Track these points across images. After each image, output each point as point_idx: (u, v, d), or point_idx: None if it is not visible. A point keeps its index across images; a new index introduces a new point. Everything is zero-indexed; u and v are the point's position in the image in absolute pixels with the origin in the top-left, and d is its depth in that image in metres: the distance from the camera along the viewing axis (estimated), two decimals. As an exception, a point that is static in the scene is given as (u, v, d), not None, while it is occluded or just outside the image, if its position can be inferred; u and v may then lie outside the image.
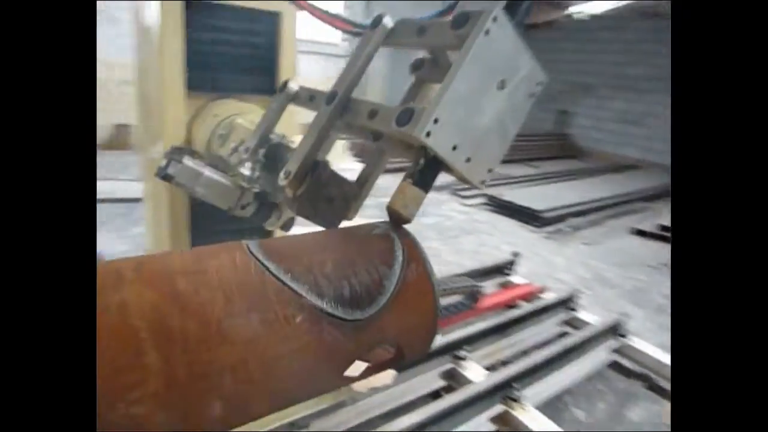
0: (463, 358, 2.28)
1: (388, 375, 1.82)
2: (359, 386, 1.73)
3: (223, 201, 0.99)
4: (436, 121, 0.63)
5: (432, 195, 5.75)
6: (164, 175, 0.91)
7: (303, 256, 0.60)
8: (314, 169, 0.83)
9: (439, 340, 2.42)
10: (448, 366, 2.28)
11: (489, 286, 3.22)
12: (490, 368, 2.31)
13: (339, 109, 0.83)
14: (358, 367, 0.65)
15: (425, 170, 0.70)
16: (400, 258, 0.65)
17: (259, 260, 0.57)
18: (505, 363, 2.49)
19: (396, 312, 0.63)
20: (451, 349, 2.33)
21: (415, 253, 0.68)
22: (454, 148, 0.66)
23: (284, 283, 0.56)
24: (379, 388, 1.81)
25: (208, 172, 0.96)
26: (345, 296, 0.59)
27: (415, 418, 1.82)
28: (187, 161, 0.93)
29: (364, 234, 0.69)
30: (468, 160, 0.69)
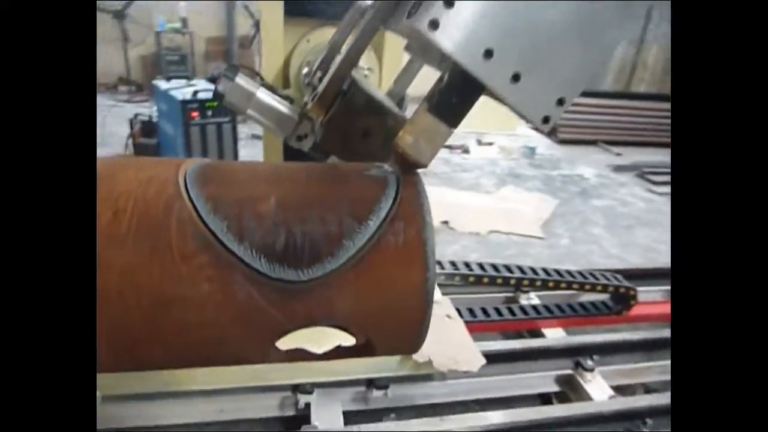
0: (589, 369, 1.89)
1: (472, 360, 1.60)
2: (439, 364, 1.56)
3: (278, 129, 0.90)
4: (449, 3, 0.40)
5: (611, 174, 5.01)
6: (215, 93, 0.86)
7: (245, 184, 0.46)
8: (345, 92, 0.66)
9: (563, 340, 2.05)
10: (568, 372, 1.93)
11: (653, 292, 2.60)
12: (621, 389, 1.87)
13: (383, 11, 0.64)
14: (300, 343, 0.49)
15: (447, 91, 0.47)
16: (383, 213, 0.45)
17: (185, 180, 0.45)
18: (648, 390, 2.00)
19: (356, 284, 0.45)
20: (577, 353, 1.95)
21: (411, 211, 0.47)
22: (488, 54, 0.42)
23: (198, 213, 0.42)
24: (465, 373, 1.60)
25: (261, 94, 0.88)
26: (276, 247, 0.43)
27: (505, 418, 1.58)
28: (240, 79, 0.86)
29: (350, 172, 0.51)
30: (516, 78, 0.44)
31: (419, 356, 1.56)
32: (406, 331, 0.51)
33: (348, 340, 0.54)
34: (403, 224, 0.47)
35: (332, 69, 0.67)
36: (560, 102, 0.48)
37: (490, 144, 6.50)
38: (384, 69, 1.27)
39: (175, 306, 0.43)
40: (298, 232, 0.44)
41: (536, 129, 7.43)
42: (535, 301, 2.37)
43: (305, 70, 1.00)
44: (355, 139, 0.68)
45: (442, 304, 1.81)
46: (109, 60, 8.28)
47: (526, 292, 2.40)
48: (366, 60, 1.10)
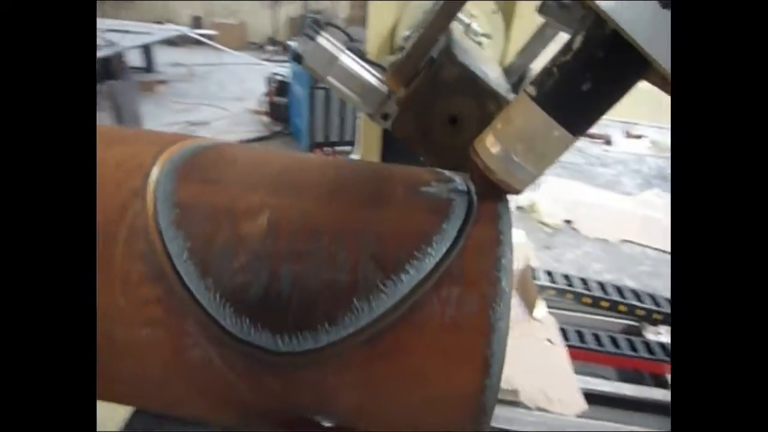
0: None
1: (570, 401, 1.33)
2: (527, 398, 1.33)
3: (362, 103, 0.74)
4: None
5: None
6: (294, 54, 0.73)
7: (236, 185, 0.32)
8: (433, 60, 0.49)
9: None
10: None
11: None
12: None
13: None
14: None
15: (574, 70, 0.27)
16: (429, 262, 0.27)
17: (163, 169, 0.32)
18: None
19: (366, 371, 0.28)
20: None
21: (478, 268, 0.29)
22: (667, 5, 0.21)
23: (157, 223, 0.29)
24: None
25: (345, 58, 0.72)
26: (251, 292, 0.28)
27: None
28: (322, 40, 0.71)
29: (396, 184, 0.34)
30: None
31: (504, 383, 1.35)
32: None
33: None
34: (459, 289, 0.29)
35: (421, 28, 0.49)
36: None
37: (640, 137, 5.63)
38: (513, 37, 1.02)
39: (106, 348, 0.31)
40: (285, 275, 0.29)
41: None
42: (665, 339, 1.95)
43: (406, 33, 0.82)
44: (439, 127, 0.50)
45: (544, 324, 1.54)
46: (261, 20, 8.95)
47: (655, 324, 1.98)
48: (486, 23, 0.87)
